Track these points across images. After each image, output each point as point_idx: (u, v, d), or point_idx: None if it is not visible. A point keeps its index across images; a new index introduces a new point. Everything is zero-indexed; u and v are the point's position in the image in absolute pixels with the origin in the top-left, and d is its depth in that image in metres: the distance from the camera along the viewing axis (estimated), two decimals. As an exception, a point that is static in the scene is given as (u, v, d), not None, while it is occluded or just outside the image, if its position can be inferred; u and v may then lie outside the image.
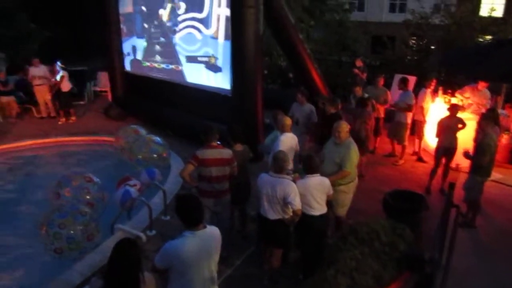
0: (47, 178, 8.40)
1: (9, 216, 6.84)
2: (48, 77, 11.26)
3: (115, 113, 11.41)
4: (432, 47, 12.95)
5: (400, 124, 8.21)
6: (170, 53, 10.04)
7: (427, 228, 5.36)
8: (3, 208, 7.18)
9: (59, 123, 11.27)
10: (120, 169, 7.41)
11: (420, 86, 8.96)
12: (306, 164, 4.59)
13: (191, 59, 9.41)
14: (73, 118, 11.52)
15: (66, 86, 11.19)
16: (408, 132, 8.32)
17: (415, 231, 4.89)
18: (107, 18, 11.36)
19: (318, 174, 4.57)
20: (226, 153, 4.85)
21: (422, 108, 8.30)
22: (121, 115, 11.30)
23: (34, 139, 9.97)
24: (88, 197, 5.46)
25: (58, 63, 11.24)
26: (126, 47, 11.65)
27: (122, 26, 11.46)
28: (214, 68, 8.86)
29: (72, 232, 4.77)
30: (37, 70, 11.18)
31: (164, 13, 10.00)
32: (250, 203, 5.68)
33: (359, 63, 11.55)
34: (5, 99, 11.54)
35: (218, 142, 4.92)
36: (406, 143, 8.32)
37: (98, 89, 14.09)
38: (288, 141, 5.51)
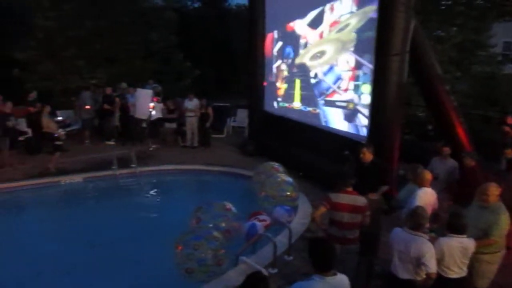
0: (183, 201, 9.21)
1: (145, 232, 7.47)
2: (198, 111, 12.43)
3: (249, 149, 11.98)
4: None
5: None
6: (308, 96, 10.32)
7: None
8: (141, 225, 7.93)
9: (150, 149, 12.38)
10: (250, 203, 7.69)
11: None
12: (453, 222, 4.23)
13: (329, 103, 9.54)
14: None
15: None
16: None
17: None
18: (253, 60, 12.17)
19: (465, 236, 4.18)
20: (361, 200, 4.74)
21: None
22: (255, 151, 11.82)
23: (175, 164, 10.95)
24: (224, 224, 5.71)
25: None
26: (268, 87, 12.28)
27: (266, 68, 12.16)
28: (351, 114, 8.84)
29: (203, 255, 5.02)
30: (191, 103, 12.43)
31: (306, 58, 10.38)
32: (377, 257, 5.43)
33: (510, 120, 10.48)
34: (167, 125, 12.97)
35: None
36: None
37: (236, 125, 15.01)
38: (426, 197, 5.18)
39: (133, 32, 17.18)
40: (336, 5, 9.15)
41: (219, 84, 22.63)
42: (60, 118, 13.11)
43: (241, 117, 14.71)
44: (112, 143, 12.82)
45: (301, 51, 10.60)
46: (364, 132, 8.31)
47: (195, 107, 12.49)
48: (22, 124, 11.96)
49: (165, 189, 10.29)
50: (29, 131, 12.03)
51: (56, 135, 10.26)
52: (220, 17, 25.60)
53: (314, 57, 10.00)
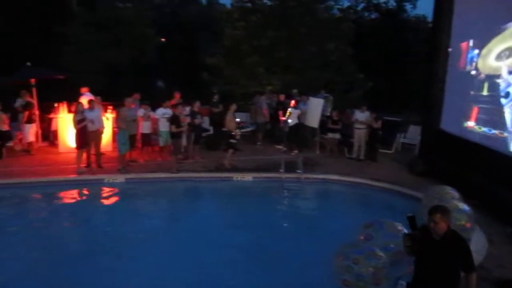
0: (344, 212, 9.27)
1: (302, 236, 7.73)
2: (369, 123, 12.24)
3: (419, 169, 11.15)
4: None
5: None
6: (496, 117, 9.19)
7: None
8: (300, 228, 8.26)
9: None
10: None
11: None
12: None
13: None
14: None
15: None
16: None
17: None
18: (432, 74, 11.43)
19: None
20: None
21: None
22: (425, 172, 10.98)
23: (340, 175, 10.94)
24: (393, 245, 5.51)
25: None
26: (446, 104, 11.35)
27: (447, 84, 11.25)
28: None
29: (363, 270, 4.92)
30: (362, 115, 12.32)
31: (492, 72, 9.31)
32: None
33: None
34: (330, 135, 13.14)
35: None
36: None
37: (406, 141, 14.25)
38: None
39: (311, 42, 17.74)
40: None
41: (391, 98, 21.90)
42: (238, 119, 14.28)
43: (413, 133, 13.90)
44: (281, 147, 13.43)
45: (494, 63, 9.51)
46: None
47: (366, 119, 12.29)
48: (206, 123, 13.36)
49: (327, 198, 10.44)
50: (211, 129, 13.40)
51: (232, 133, 11.22)
52: (397, 28, 24.80)
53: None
